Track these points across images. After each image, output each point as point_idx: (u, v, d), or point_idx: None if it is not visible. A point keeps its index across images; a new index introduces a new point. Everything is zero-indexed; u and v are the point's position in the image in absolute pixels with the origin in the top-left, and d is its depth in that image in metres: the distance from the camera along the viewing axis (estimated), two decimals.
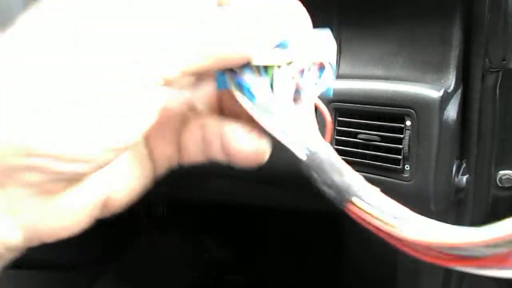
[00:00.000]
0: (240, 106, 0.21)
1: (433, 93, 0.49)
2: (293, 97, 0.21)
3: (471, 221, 0.59)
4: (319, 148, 0.20)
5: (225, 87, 0.21)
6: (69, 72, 0.17)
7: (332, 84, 0.22)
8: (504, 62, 0.54)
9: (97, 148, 0.17)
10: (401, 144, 0.51)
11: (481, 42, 0.54)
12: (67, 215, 0.19)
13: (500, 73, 0.54)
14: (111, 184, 0.21)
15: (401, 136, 0.51)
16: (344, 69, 0.66)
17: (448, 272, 0.63)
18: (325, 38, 0.21)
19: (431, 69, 0.57)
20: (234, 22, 0.19)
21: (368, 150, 0.54)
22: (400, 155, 0.51)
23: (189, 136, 0.23)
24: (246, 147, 0.21)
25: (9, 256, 0.19)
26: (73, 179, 0.18)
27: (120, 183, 0.21)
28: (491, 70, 0.54)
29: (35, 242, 0.19)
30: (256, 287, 1.07)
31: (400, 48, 0.61)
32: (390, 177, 0.53)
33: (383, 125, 0.53)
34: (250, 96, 0.20)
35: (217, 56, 0.18)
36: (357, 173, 0.19)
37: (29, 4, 0.18)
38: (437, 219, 0.59)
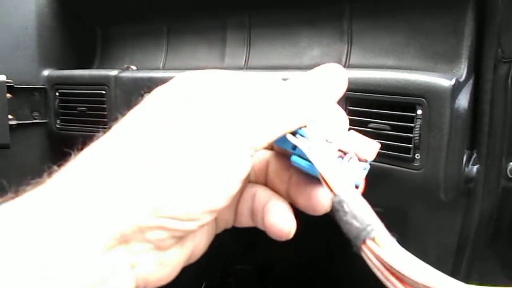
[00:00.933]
0: (280, 178, 0.27)
1: (445, 82, 0.49)
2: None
3: (480, 212, 0.59)
4: (351, 189, 0.22)
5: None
6: (187, 154, 0.21)
7: (363, 179, 0.24)
8: None
9: (205, 210, 0.22)
10: (412, 133, 0.51)
11: (494, 32, 0.54)
12: (170, 268, 0.23)
13: None
14: (197, 241, 0.26)
15: (412, 125, 0.51)
16: (355, 60, 0.67)
17: (457, 262, 0.64)
18: (374, 144, 0.24)
19: (442, 59, 0.57)
20: (300, 95, 0.24)
21: (379, 139, 0.54)
22: (410, 144, 0.51)
23: (243, 204, 0.28)
24: (279, 225, 0.26)
25: None
26: (182, 236, 0.23)
27: (201, 241, 0.26)
28: (504, 60, 0.54)
29: None
30: (264, 274, 1.08)
31: (411, 38, 0.61)
32: (400, 166, 0.53)
33: (394, 114, 0.53)
34: (301, 135, 0.24)
35: (289, 126, 0.23)
36: (379, 221, 0.21)
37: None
38: (447, 209, 0.59)
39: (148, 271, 0.22)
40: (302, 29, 0.72)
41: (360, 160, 0.24)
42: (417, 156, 0.51)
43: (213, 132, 0.22)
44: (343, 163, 0.23)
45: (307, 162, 0.24)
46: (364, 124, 0.55)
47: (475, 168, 0.54)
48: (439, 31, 0.58)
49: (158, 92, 0.24)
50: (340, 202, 0.21)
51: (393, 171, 0.53)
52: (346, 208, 0.21)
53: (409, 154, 0.52)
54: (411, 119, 0.51)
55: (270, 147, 0.28)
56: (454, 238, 0.62)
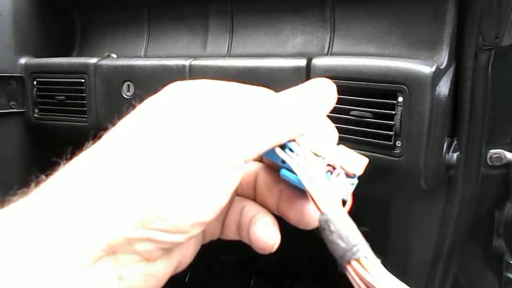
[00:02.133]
0: (270, 192, 0.27)
1: (426, 68, 0.49)
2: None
3: (461, 199, 0.60)
4: (338, 209, 0.22)
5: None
6: (176, 165, 0.21)
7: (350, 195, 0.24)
8: (497, 40, 0.54)
9: (194, 222, 0.22)
10: (392, 120, 0.51)
11: (475, 20, 0.54)
12: (157, 279, 0.23)
13: (493, 51, 0.54)
14: (184, 252, 0.26)
15: (393, 112, 0.51)
16: (338, 47, 0.66)
17: (438, 250, 0.64)
18: (362, 158, 0.24)
19: (424, 46, 0.57)
20: (291, 109, 0.24)
21: (360, 127, 0.54)
22: (391, 131, 0.51)
23: (231, 217, 0.28)
24: (264, 238, 0.26)
25: None
26: (169, 248, 0.23)
27: (187, 251, 0.26)
28: (484, 48, 0.54)
29: None
30: (249, 265, 1.08)
31: (393, 26, 0.61)
32: (381, 154, 0.53)
33: (375, 102, 0.53)
34: (290, 149, 0.24)
35: (279, 139, 0.23)
36: (365, 242, 0.21)
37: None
38: (428, 197, 0.59)
39: (135, 282, 0.22)
40: (285, 16, 0.71)
41: (348, 174, 0.24)
42: (398, 143, 0.51)
43: (203, 143, 0.22)
44: (331, 179, 0.23)
45: (296, 176, 0.24)
46: (346, 111, 0.55)
47: (455, 155, 0.55)
48: (421, 18, 0.58)
49: (148, 102, 0.24)
50: (327, 221, 0.21)
51: (374, 158, 0.53)
52: (332, 228, 0.21)
53: (390, 142, 0.51)
54: (392, 107, 0.51)
55: (259, 159, 0.28)
56: (435, 226, 0.63)
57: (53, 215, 0.20)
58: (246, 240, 0.27)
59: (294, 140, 0.24)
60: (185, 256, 0.26)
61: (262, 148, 0.23)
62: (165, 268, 0.24)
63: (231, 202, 0.28)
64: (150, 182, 0.21)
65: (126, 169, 0.21)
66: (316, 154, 0.24)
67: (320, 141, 0.24)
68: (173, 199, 0.21)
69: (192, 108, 0.23)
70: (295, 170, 0.23)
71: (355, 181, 0.24)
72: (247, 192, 0.28)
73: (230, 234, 0.28)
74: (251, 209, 0.28)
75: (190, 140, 0.22)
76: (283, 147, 0.24)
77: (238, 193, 0.29)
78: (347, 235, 0.21)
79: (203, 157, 0.21)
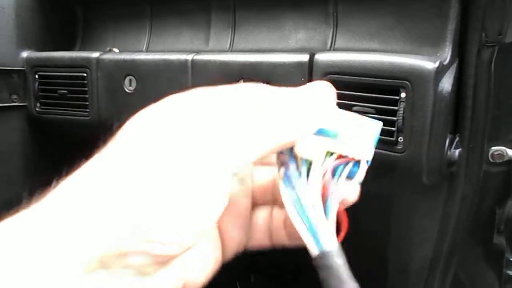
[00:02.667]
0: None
1: (429, 64, 0.49)
2: (324, 184, 0.23)
3: (462, 196, 0.60)
4: (331, 250, 0.22)
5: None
6: (166, 178, 0.21)
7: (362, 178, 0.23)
8: (500, 36, 0.54)
9: (187, 233, 0.21)
10: (395, 116, 0.51)
11: (478, 16, 0.54)
12: None
13: (496, 48, 0.54)
14: (188, 270, 0.25)
15: (396, 108, 0.51)
16: (341, 43, 0.66)
17: (438, 247, 0.64)
18: (370, 128, 0.24)
19: (427, 42, 0.57)
20: (281, 115, 0.23)
21: None
22: (394, 127, 0.51)
23: (257, 224, 0.28)
24: None
25: None
26: (165, 262, 0.22)
27: (195, 269, 0.26)
28: (487, 44, 0.54)
29: None
30: (249, 263, 1.08)
31: (396, 21, 0.61)
32: (383, 149, 0.53)
33: (378, 97, 0.53)
34: (288, 181, 0.23)
35: (271, 148, 0.23)
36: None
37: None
38: (429, 193, 0.59)
39: None
40: (287, 12, 0.71)
41: (358, 161, 0.24)
42: (400, 139, 0.51)
43: (192, 157, 0.22)
44: (329, 200, 0.23)
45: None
46: (348, 107, 0.55)
47: (457, 151, 0.55)
48: (424, 14, 0.58)
49: (145, 113, 0.24)
50: (318, 267, 0.22)
51: (377, 154, 0.53)
52: (324, 275, 0.22)
53: (393, 137, 0.51)
54: (395, 102, 0.51)
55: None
56: (436, 222, 0.63)
57: (47, 227, 0.20)
58: (286, 243, 0.27)
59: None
60: (191, 276, 0.25)
61: (253, 159, 0.23)
62: (165, 282, 0.23)
63: (249, 211, 0.28)
64: (139, 195, 0.21)
65: (118, 182, 0.21)
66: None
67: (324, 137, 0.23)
68: (164, 210, 0.21)
69: (186, 121, 0.23)
70: (285, 205, 0.23)
71: (364, 168, 0.24)
72: (266, 200, 0.28)
73: (260, 242, 0.28)
74: (279, 212, 0.27)
75: (181, 154, 0.22)
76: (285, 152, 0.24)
77: (257, 202, 0.28)
78: (336, 285, 0.21)
79: (191, 170, 0.21)
